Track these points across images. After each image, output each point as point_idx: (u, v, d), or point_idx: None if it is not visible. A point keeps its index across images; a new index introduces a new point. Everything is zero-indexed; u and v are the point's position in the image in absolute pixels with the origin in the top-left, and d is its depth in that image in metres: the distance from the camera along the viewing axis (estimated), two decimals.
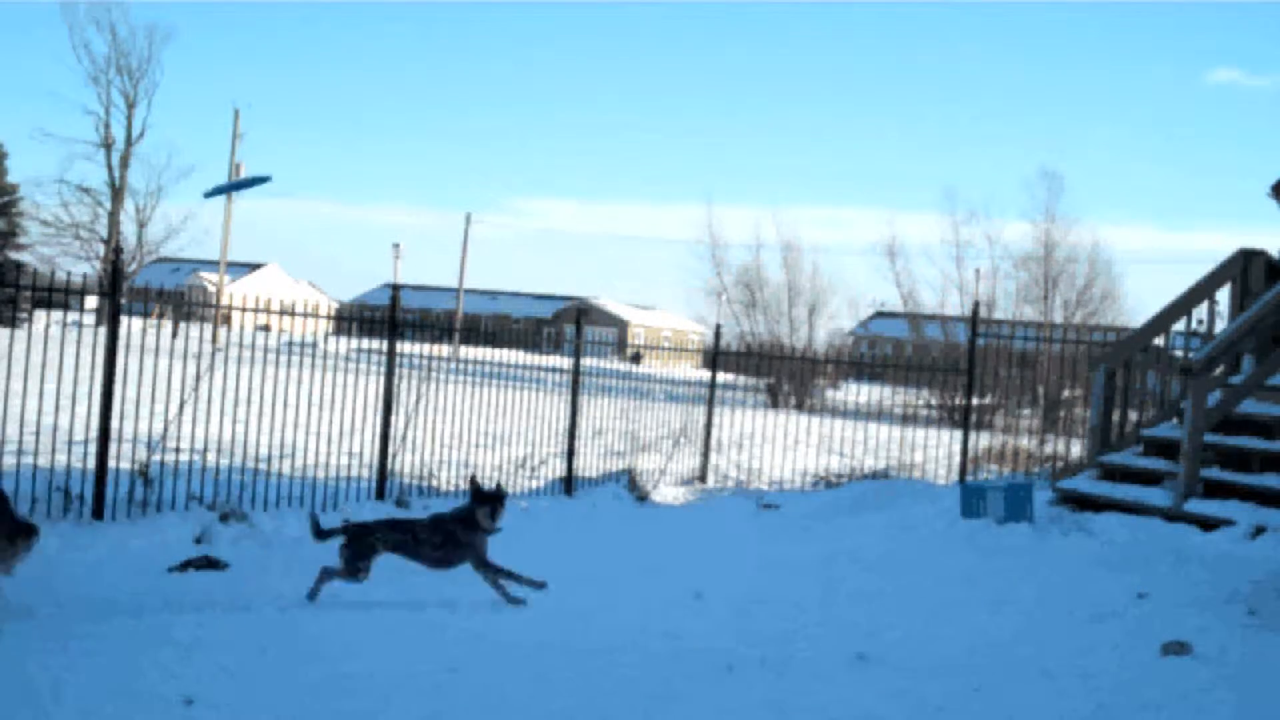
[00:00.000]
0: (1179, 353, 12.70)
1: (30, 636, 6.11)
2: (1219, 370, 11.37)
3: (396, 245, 66.05)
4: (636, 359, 36.86)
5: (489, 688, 5.63)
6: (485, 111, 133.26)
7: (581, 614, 7.22)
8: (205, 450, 10.97)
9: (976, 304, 17.83)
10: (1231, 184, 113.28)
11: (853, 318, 56.75)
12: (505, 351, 22.31)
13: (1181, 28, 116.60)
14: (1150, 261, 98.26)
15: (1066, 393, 19.34)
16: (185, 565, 8.04)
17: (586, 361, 13.96)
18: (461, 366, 14.27)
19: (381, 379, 11.46)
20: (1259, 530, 9.56)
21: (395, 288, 12.31)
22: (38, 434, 10.12)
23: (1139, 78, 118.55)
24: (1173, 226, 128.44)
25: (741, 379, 26.20)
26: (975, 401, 15.46)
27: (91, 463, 9.33)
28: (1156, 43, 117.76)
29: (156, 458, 9.90)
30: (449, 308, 67.38)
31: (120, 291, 9.57)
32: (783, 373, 29.30)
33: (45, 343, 9.99)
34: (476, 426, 13.02)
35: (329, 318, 15.53)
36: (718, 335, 17.23)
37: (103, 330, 9.54)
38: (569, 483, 13.09)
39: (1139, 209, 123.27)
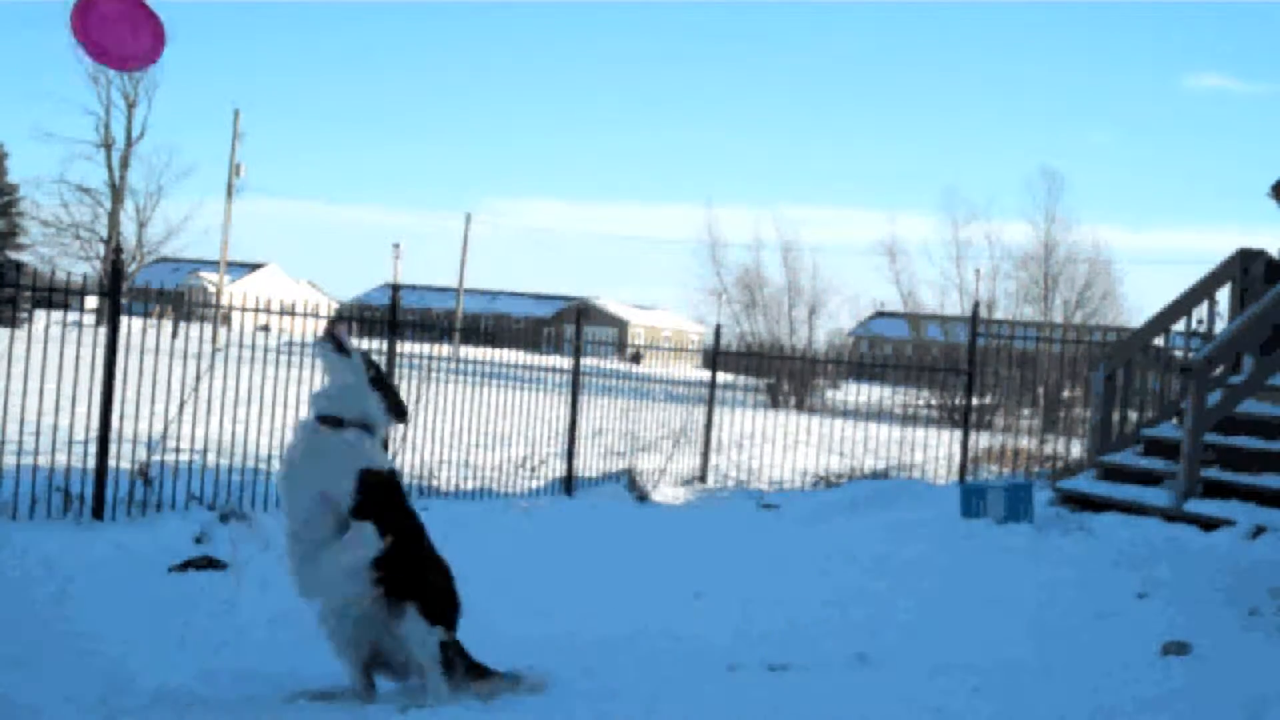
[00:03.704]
0: (1179, 353, 12.70)
1: None
2: (1219, 370, 11.38)
3: (396, 245, 66.18)
4: (636, 359, 36.89)
5: None
6: (486, 111, 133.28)
7: (581, 613, 7.22)
8: (205, 450, 10.97)
9: (976, 304, 17.83)
10: (1231, 185, 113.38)
11: (853, 318, 56.89)
12: (505, 351, 22.32)
13: (1174, 32, 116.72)
14: (1150, 261, 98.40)
15: (1066, 393, 19.33)
16: (185, 565, 8.04)
17: (586, 361, 13.96)
18: (461, 366, 14.27)
19: None
20: (1259, 530, 9.57)
21: (395, 288, 12.32)
22: (38, 434, 10.12)
23: (1136, 80, 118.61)
24: (1171, 226, 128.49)
25: (741, 379, 26.20)
26: (975, 401, 15.47)
27: (91, 463, 9.32)
28: (1151, 46, 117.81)
29: (156, 458, 9.90)
30: (449, 308, 67.38)
31: (120, 291, 9.57)
32: (783, 373, 29.31)
33: (45, 343, 9.98)
34: (476, 426, 13.02)
35: (329, 318, 15.52)
36: (718, 335, 17.22)
37: (103, 330, 9.54)
38: (569, 483, 13.09)
39: (1138, 209, 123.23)
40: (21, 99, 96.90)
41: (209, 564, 8.10)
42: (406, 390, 11.56)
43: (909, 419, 19.00)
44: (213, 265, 60.02)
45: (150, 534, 8.78)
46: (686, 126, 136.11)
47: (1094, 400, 12.28)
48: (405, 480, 11.45)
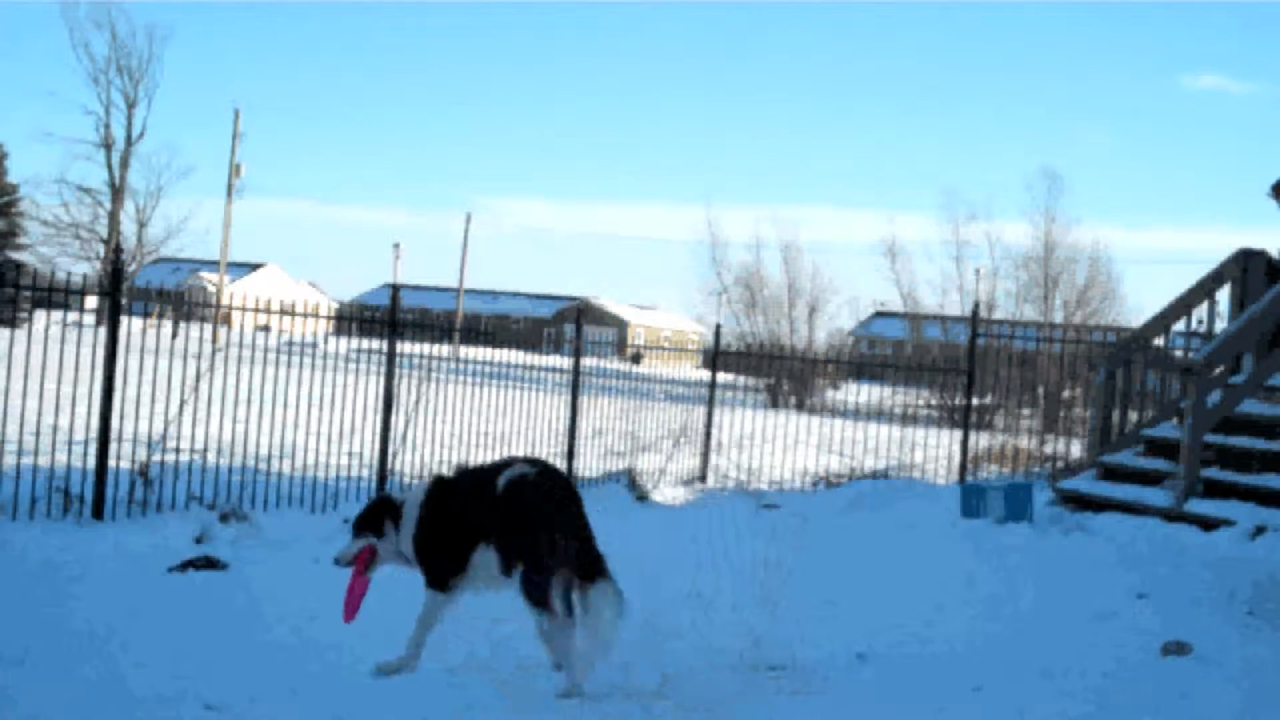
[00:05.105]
0: (1179, 353, 12.70)
1: None
2: (1219, 370, 11.37)
3: (396, 245, 66.33)
4: (636, 359, 36.88)
5: (488, 685, 5.63)
6: (486, 111, 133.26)
7: None
8: (205, 450, 10.96)
9: (976, 304, 17.83)
10: (1230, 185, 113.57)
11: (853, 318, 56.80)
12: (505, 351, 22.31)
13: (1172, 32, 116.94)
14: (1150, 261, 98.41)
15: (1066, 393, 19.33)
16: (185, 565, 8.03)
17: (586, 361, 13.96)
18: (461, 366, 14.26)
19: (381, 379, 11.46)
20: (1259, 530, 9.57)
21: (395, 288, 12.31)
22: (38, 434, 10.11)
23: (1134, 80, 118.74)
24: (1171, 226, 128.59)
25: (741, 379, 26.20)
26: (975, 401, 15.46)
27: (91, 463, 9.32)
28: (1149, 46, 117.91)
29: (156, 458, 9.89)
30: (449, 308, 67.39)
31: (120, 291, 9.56)
32: (783, 373, 29.30)
33: (45, 343, 9.98)
34: (476, 426, 13.01)
35: (329, 318, 15.53)
36: (718, 335, 17.22)
37: (103, 330, 9.54)
38: None
39: (1137, 209, 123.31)
40: (21, 99, 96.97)
41: (209, 564, 8.10)
42: (407, 390, 11.58)
43: (909, 419, 18.99)
44: (213, 265, 60.04)
45: (150, 534, 8.78)
46: (686, 126, 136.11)
47: (1094, 400, 12.28)
48: (406, 480, 11.49)
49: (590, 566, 5.55)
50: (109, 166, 55.29)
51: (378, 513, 5.97)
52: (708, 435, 15.16)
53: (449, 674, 5.82)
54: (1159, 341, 12.70)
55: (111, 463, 9.34)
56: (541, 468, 5.84)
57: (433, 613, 5.84)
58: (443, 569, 5.80)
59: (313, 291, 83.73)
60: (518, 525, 5.57)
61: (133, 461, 9.88)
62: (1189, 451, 10.43)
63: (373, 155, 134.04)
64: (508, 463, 5.85)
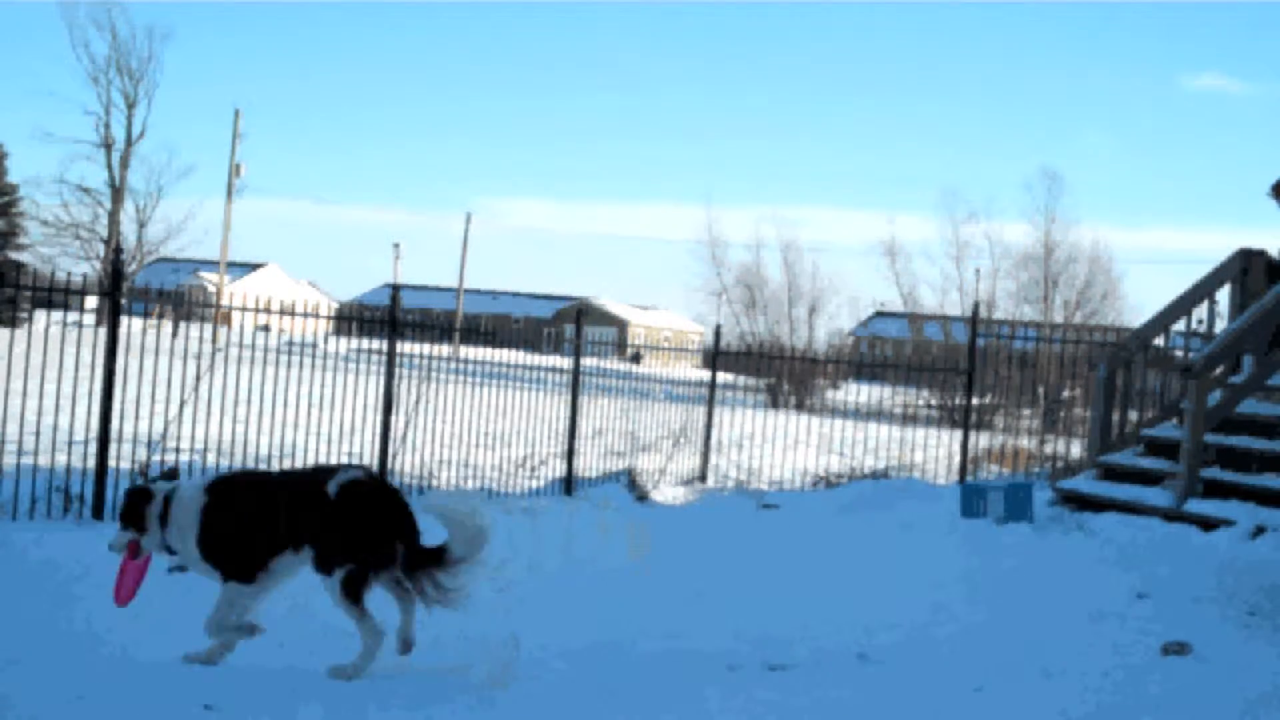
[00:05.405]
0: (1179, 353, 12.70)
1: None
2: (1219, 370, 11.37)
3: (396, 245, 66.40)
4: (636, 359, 36.87)
5: (492, 687, 5.63)
6: (486, 111, 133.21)
7: (581, 613, 7.22)
8: (205, 450, 10.96)
9: (976, 304, 17.82)
10: (1230, 185, 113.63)
11: (853, 318, 56.92)
12: (505, 351, 22.31)
13: (1171, 32, 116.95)
14: (1150, 261, 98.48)
15: (1066, 393, 19.33)
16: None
17: (586, 361, 13.96)
18: (461, 366, 14.27)
19: (381, 379, 11.46)
20: (1259, 530, 9.57)
21: (395, 288, 12.32)
22: (38, 434, 10.11)
23: (1134, 80, 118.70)
24: (1171, 226, 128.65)
25: (741, 379, 26.19)
26: (975, 401, 15.46)
27: (91, 463, 9.33)
28: (1148, 46, 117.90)
29: (156, 458, 9.90)
30: (449, 308, 67.37)
31: (120, 291, 9.57)
32: (783, 373, 29.29)
33: (45, 343, 9.98)
34: (476, 426, 13.02)
35: (329, 318, 15.55)
36: (718, 335, 17.21)
37: (103, 330, 9.55)
38: (569, 483, 13.09)
39: (1137, 209, 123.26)
40: (21, 99, 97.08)
41: None
42: (407, 390, 11.58)
43: (909, 419, 19.00)
44: (213, 265, 60.01)
45: None
46: (686, 126, 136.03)
47: (1094, 400, 12.27)
48: (406, 480, 11.51)
49: (431, 554, 5.74)
50: (109, 166, 55.32)
51: (135, 507, 5.97)
52: (708, 435, 15.16)
53: (449, 672, 5.82)
54: (1159, 341, 12.70)
55: (111, 463, 9.34)
56: (371, 474, 5.98)
57: (236, 604, 5.87)
58: (247, 565, 5.84)
59: (313, 291, 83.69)
60: (352, 529, 5.67)
61: (133, 461, 9.89)
62: (1189, 451, 10.43)
63: (373, 155, 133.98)
64: (331, 469, 5.94)
